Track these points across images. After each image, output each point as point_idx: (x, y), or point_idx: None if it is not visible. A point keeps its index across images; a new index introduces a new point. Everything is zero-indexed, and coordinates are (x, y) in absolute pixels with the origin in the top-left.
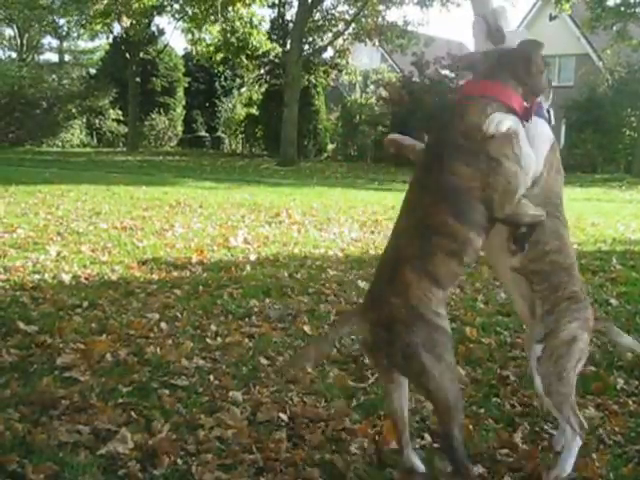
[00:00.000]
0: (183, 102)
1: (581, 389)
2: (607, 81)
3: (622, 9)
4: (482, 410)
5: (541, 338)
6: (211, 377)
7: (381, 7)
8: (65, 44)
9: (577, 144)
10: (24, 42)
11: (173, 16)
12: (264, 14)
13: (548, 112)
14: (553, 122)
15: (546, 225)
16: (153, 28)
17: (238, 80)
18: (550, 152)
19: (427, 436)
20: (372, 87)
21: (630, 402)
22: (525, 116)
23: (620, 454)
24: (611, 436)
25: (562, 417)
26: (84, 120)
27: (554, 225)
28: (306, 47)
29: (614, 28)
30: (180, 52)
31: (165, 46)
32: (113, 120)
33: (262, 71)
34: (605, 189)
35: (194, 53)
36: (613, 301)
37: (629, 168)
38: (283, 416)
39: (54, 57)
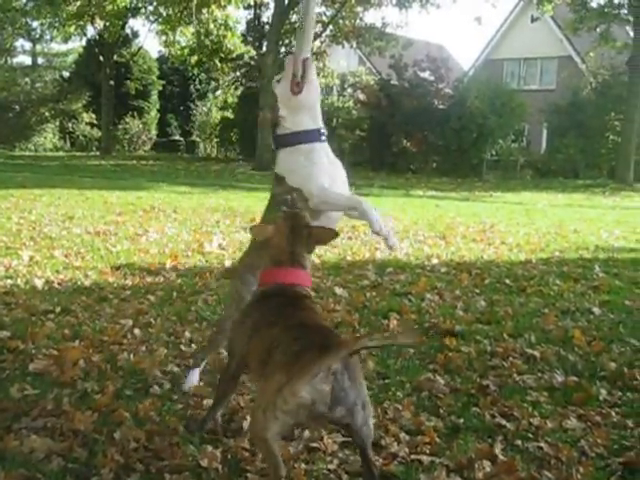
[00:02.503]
0: (157, 105)
1: (563, 399)
2: (590, 84)
3: (606, 10)
4: (461, 420)
5: None
6: None
7: (359, 9)
8: (38, 47)
9: (559, 149)
10: None
11: (147, 18)
12: (240, 16)
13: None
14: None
15: None
16: (127, 30)
17: (213, 83)
18: None
19: None
20: (349, 90)
21: (613, 413)
22: None
23: (603, 467)
24: (593, 448)
25: None
26: (57, 124)
27: None
28: (282, 49)
29: (597, 30)
30: (154, 55)
31: (139, 49)
32: (86, 124)
33: (237, 74)
34: (588, 195)
35: (168, 56)
36: (596, 310)
37: (612, 174)
38: None
39: (27, 60)
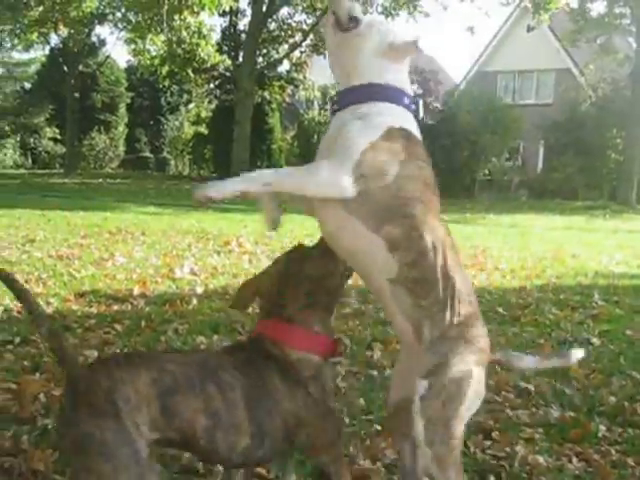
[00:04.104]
0: (125, 120)
1: (559, 436)
2: (590, 98)
3: (606, 20)
4: None
5: (428, 372)
6: None
7: None
8: None
9: (557, 168)
10: None
11: (115, 25)
12: (214, 23)
13: (416, 103)
14: (421, 114)
15: (417, 215)
16: (93, 38)
17: (186, 96)
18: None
19: None
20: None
21: (613, 451)
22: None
23: None
24: None
25: (442, 476)
26: (18, 139)
27: (423, 214)
28: (260, 60)
29: (597, 41)
30: (122, 65)
31: (106, 58)
32: (49, 139)
33: (212, 86)
34: (587, 217)
35: (137, 66)
36: (595, 340)
37: (614, 195)
38: None
39: None
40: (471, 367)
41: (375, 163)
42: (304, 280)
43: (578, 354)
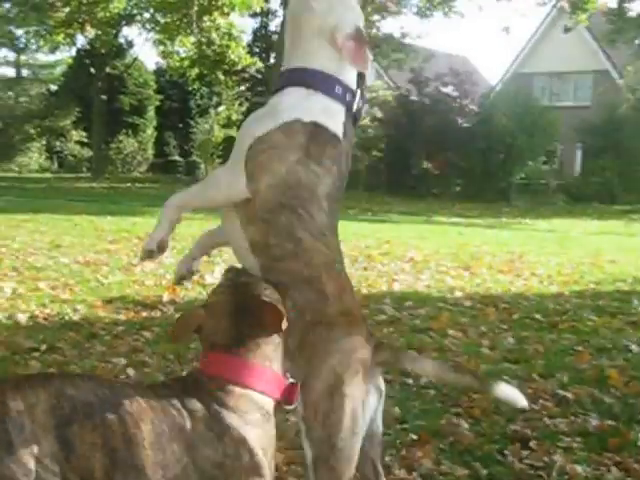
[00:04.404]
0: (154, 123)
1: (598, 445)
2: (628, 101)
3: None
4: (487, 469)
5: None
6: None
7: (376, 17)
8: (23, 57)
9: (594, 171)
10: None
11: (143, 26)
12: (245, 24)
13: (353, 94)
14: (357, 107)
15: (278, 222)
16: (121, 40)
17: (215, 98)
18: (293, 134)
19: None
20: (365, 106)
21: None
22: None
23: None
24: None
25: None
26: (43, 142)
27: (289, 223)
28: None
29: (636, 41)
30: (151, 67)
31: (134, 60)
32: (76, 142)
33: (242, 88)
34: (626, 222)
35: (166, 68)
36: (634, 347)
37: None
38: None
39: (10, 72)
40: (337, 374)
41: (260, 160)
42: (254, 308)
43: (505, 390)
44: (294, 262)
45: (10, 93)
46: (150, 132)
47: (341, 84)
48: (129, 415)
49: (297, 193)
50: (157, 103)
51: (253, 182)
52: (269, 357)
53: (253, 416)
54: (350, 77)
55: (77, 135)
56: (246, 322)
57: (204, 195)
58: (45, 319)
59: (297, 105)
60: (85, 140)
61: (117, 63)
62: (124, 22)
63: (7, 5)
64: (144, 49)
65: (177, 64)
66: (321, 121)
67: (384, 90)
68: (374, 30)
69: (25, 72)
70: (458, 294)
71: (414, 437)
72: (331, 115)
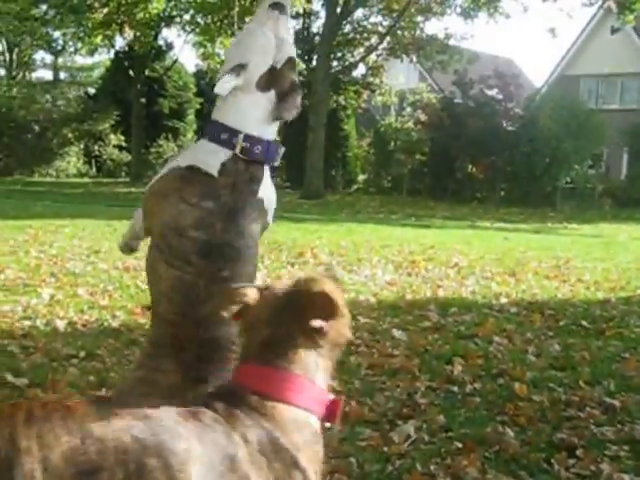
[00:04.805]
0: (194, 126)
1: None
2: None
3: None
4: (533, 478)
5: None
6: None
7: (420, 18)
8: (60, 60)
9: None
10: (14, 58)
11: (183, 28)
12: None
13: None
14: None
15: (149, 258)
16: (160, 41)
17: None
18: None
19: None
20: (409, 109)
21: None
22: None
23: None
24: None
25: None
26: (81, 146)
27: (151, 257)
28: (334, 63)
29: None
30: (191, 69)
31: (174, 62)
32: (114, 146)
33: None
34: None
35: (207, 70)
36: None
37: None
38: None
39: (48, 75)
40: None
41: (147, 205)
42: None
43: None
44: (153, 289)
45: (47, 96)
46: (190, 136)
47: (229, 130)
48: (173, 456)
49: (163, 231)
50: (197, 106)
51: (144, 222)
52: (312, 369)
53: (304, 436)
54: (249, 121)
55: (116, 139)
56: (294, 318)
57: (133, 228)
58: (84, 326)
59: (185, 154)
60: (124, 144)
61: (156, 65)
62: (163, 23)
63: (44, 7)
64: (184, 51)
65: (218, 67)
66: (197, 164)
67: (428, 93)
68: (418, 32)
69: (63, 75)
70: (503, 300)
71: (459, 445)
72: (213, 158)
